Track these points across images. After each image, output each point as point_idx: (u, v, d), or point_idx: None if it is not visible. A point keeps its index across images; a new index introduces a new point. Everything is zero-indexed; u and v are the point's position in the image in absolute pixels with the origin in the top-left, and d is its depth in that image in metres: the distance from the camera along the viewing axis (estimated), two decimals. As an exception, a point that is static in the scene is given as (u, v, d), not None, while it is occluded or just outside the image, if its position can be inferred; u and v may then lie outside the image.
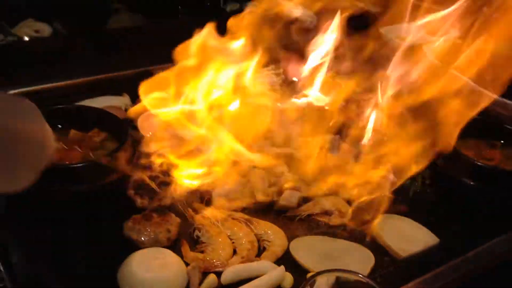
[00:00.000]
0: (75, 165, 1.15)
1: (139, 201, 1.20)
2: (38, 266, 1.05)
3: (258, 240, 1.17)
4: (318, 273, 0.79)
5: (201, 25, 2.02)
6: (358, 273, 0.79)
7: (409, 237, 1.21)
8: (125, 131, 1.26)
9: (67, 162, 1.18)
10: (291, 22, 2.15)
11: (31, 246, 1.09)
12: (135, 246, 1.11)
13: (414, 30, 2.09)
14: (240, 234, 1.16)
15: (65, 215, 1.14)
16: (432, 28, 2.04)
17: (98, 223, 1.17)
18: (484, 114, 1.58)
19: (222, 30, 2.06)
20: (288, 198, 1.24)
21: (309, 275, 1.09)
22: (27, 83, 1.57)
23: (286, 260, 1.13)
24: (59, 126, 1.29)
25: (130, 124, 1.38)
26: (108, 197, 1.20)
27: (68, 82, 1.62)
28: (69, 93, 1.58)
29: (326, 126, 1.57)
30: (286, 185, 1.28)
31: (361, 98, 1.70)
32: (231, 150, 1.24)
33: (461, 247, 1.17)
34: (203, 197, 1.27)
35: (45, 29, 1.82)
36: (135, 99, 1.61)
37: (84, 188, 1.14)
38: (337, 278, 0.87)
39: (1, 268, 1.00)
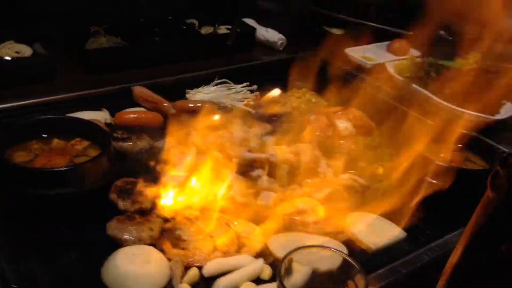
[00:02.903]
0: (58, 169, 1.20)
1: (121, 204, 1.25)
2: (25, 266, 1.08)
3: (237, 238, 1.22)
4: (295, 250, 0.85)
5: (177, 47, 2.12)
6: (332, 248, 0.85)
7: (378, 231, 1.29)
8: (107, 139, 1.32)
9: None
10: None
11: (18, 246, 1.13)
12: (119, 244, 1.15)
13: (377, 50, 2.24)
14: (220, 232, 1.22)
15: (50, 218, 1.18)
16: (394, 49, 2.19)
17: (81, 225, 1.20)
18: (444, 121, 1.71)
19: (197, 52, 2.16)
20: (265, 198, 1.31)
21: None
22: (11, 99, 1.62)
23: (264, 255, 1.19)
24: (44, 135, 1.34)
25: (111, 133, 1.43)
26: (91, 200, 1.24)
27: (51, 98, 1.68)
28: (52, 109, 1.63)
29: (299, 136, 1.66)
30: (263, 187, 1.35)
31: (329, 111, 1.80)
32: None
33: (425, 239, 1.26)
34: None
35: (26, 51, 1.87)
36: (113, 113, 1.67)
37: (67, 192, 1.19)
38: (313, 272, 0.95)
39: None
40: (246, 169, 1.42)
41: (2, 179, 1.16)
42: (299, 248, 0.85)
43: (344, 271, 0.84)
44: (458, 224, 1.30)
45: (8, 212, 1.21)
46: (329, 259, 0.92)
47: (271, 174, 1.41)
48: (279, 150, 1.50)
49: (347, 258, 0.83)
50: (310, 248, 0.86)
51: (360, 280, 0.79)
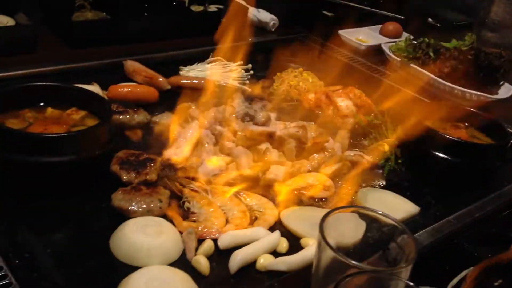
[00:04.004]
0: (62, 135, 1.12)
1: (125, 176, 1.17)
2: (22, 238, 0.99)
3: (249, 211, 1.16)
4: (334, 210, 0.79)
5: (166, 23, 2.04)
6: (377, 210, 0.80)
7: (391, 207, 1.25)
8: (107, 107, 1.23)
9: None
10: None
11: (13, 218, 1.03)
12: (125, 217, 1.07)
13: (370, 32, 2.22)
14: (231, 205, 1.15)
15: (46, 188, 1.09)
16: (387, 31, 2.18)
17: (78, 196, 1.12)
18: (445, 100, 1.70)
19: (186, 29, 2.08)
20: (275, 172, 1.25)
21: (302, 240, 1.11)
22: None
23: (278, 229, 1.13)
24: (38, 103, 1.24)
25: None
26: (88, 171, 1.15)
27: (37, 70, 1.57)
28: (37, 81, 1.52)
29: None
30: (271, 161, 1.29)
31: (329, 90, 1.76)
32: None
33: (440, 213, 1.23)
34: (188, 175, 1.25)
35: (8, 21, 1.75)
36: (103, 88, 1.57)
37: (66, 160, 1.09)
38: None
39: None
40: (251, 143, 1.36)
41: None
42: (338, 208, 0.80)
43: (385, 234, 0.79)
44: (470, 197, 1.29)
45: (1, 181, 1.11)
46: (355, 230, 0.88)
47: (277, 149, 1.36)
48: (284, 125, 1.46)
49: (390, 219, 0.79)
50: (349, 208, 0.81)
51: (406, 242, 0.75)
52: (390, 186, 1.36)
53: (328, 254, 0.72)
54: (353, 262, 0.69)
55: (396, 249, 0.77)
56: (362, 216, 0.82)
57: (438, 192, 1.34)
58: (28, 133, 1.11)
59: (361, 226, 1.14)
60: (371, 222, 0.81)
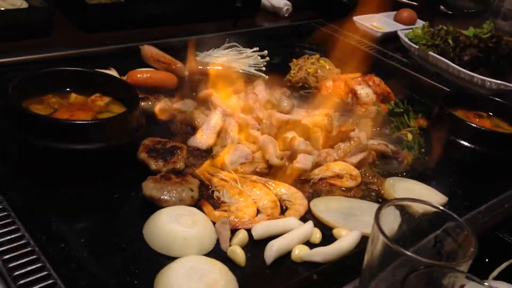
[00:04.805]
0: (93, 122, 1.10)
1: (153, 164, 1.15)
2: (55, 227, 0.97)
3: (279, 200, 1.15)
4: (390, 201, 0.78)
5: (180, 7, 2.00)
6: (431, 203, 0.79)
7: (420, 196, 1.23)
8: (133, 94, 1.20)
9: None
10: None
11: (43, 207, 1.01)
12: (156, 206, 1.05)
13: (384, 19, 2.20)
14: (261, 194, 1.14)
15: (74, 176, 1.07)
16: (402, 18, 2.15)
17: (106, 184, 1.10)
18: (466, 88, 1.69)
19: (199, 14, 2.05)
20: (303, 161, 1.24)
21: (334, 230, 1.10)
22: (6, 54, 1.47)
23: (308, 218, 1.12)
24: (61, 89, 1.21)
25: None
26: (119, 158, 1.14)
27: (52, 54, 1.53)
28: (53, 66, 1.48)
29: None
30: (299, 149, 1.27)
31: (348, 77, 1.74)
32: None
33: (469, 203, 1.23)
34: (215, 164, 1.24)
35: (22, 4, 1.70)
36: (122, 73, 1.54)
37: (94, 147, 1.07)
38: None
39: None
40: (277, 131, 1.34)
41: (25, 132, 1.03)
42: (392, 200, 0.78)
43: (436, 227, 0.78)
44: (497, 187, 1.29)
45: (30, 169, 1.09)
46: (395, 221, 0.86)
47: (304, 137, 1.34)
48: (307, 113, 1.44)
49: (446, 212, 0.77)
50: (403, 201, 0.79)
51: (465, 236, 0.73)
52: (415, 175, 1.35)
53: (384, 247, 0.71)
54: (415, 256, 0.68)
55: (451, 243, 0.75)
56: (414, 208, 0.80)
57: (463, 181, 1.33)
58: (60, 120, 1.09)
59: (399, 217, 1.14)
60: (424, 214, 0.79)
